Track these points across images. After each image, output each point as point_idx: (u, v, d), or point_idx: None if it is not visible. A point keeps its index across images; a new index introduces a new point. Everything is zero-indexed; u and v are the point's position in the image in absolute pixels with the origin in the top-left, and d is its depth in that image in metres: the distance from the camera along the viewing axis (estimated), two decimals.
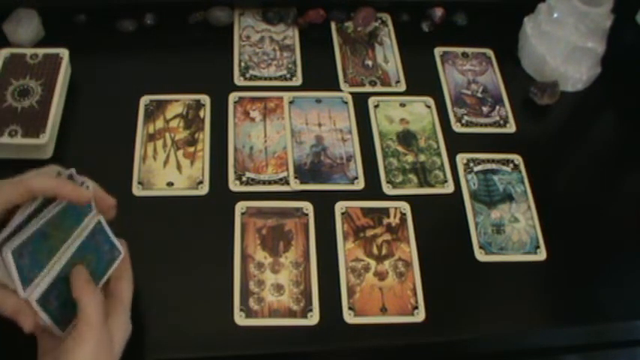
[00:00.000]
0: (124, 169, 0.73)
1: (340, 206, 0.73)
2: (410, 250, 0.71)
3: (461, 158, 0.79)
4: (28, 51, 0.78)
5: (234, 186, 0.74)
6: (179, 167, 0.75)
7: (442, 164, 0.78)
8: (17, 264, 0.50)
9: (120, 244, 0.60)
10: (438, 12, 0.91)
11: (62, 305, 0.55)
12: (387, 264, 0.70)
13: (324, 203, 0.73)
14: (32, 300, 0.52)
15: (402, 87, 0.85)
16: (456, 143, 0.80)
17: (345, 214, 0.73)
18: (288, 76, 0.84)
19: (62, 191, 0.53)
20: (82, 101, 0.79)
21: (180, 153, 0.76)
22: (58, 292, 0.54)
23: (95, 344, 0.52)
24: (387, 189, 0.75)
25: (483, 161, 0.79)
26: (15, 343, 0.56)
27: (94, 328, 0.52)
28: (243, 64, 0.85)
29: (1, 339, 0.58)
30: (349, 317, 0.66)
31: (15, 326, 0.53)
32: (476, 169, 0.78)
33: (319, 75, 0.84)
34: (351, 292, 0.67)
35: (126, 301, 0.58)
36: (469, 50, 0.90)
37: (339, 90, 0.83)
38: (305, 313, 0.66)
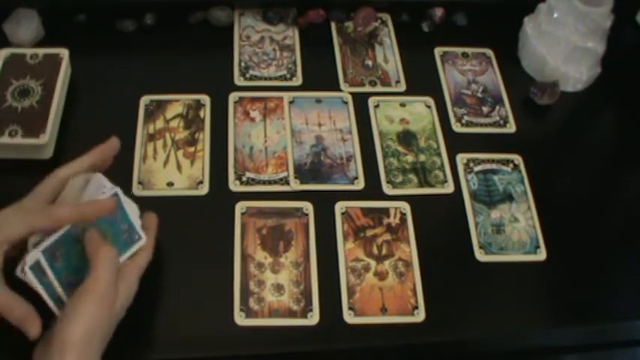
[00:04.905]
0: (124, 169, 0.73)
1: (340, 206, 0.73)
2: (410, 250, 0.71)
3: (461, 158, 0.79)
4: (28, 51, 0.78)
5: (234, 186, 0.74)
6: (179, 167, 0.75)
7: (442, 164, 0.78)
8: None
9: (143, 232, 0.62)
10: (438, 12, 0.91)
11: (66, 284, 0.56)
12: (387, 264, 0.70)
13: (324, 203, 0.73)
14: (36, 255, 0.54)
15: (402, 87, 0.85)
16: (456, 143, 0.80)
17: (345, 214, 0.73)
18: (288, 76, 0.84)
19: (86, 216, 0.57)
20: (82, 101, 0.79)
21: (180, 153, 0.76)
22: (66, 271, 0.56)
23: (99, 299, 0.53)
24: (387, 189, 0.75)
25: (483, 161, 0.79)
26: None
27: (101, 283, 0.54)
28: (243, 64, 0.85)
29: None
30: (349, 317, 0.66)
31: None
32: (476, 169, 0.78)
33: (319, 75, 0.84)
34: (351, 292, 0.67)
35: (141, 265, 0.61)
36: (469, 50, 0.90)
37: (339, 90, 0.83)
38: (305, 313, 0.66)
